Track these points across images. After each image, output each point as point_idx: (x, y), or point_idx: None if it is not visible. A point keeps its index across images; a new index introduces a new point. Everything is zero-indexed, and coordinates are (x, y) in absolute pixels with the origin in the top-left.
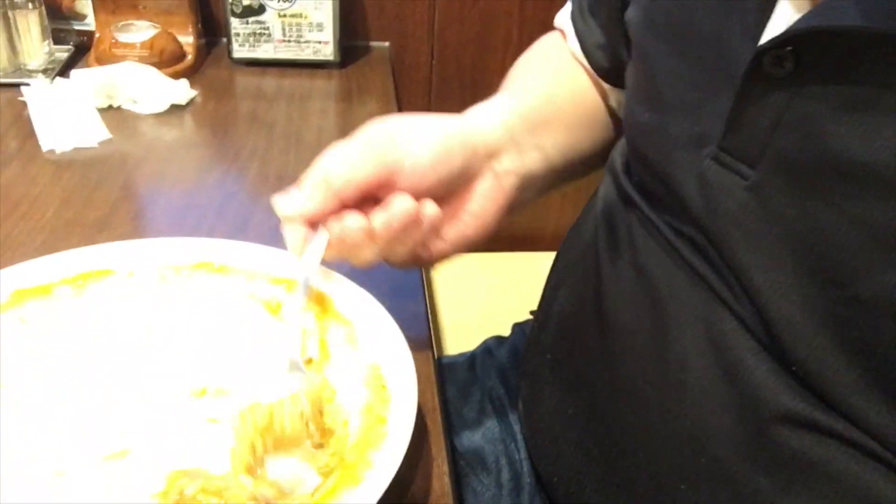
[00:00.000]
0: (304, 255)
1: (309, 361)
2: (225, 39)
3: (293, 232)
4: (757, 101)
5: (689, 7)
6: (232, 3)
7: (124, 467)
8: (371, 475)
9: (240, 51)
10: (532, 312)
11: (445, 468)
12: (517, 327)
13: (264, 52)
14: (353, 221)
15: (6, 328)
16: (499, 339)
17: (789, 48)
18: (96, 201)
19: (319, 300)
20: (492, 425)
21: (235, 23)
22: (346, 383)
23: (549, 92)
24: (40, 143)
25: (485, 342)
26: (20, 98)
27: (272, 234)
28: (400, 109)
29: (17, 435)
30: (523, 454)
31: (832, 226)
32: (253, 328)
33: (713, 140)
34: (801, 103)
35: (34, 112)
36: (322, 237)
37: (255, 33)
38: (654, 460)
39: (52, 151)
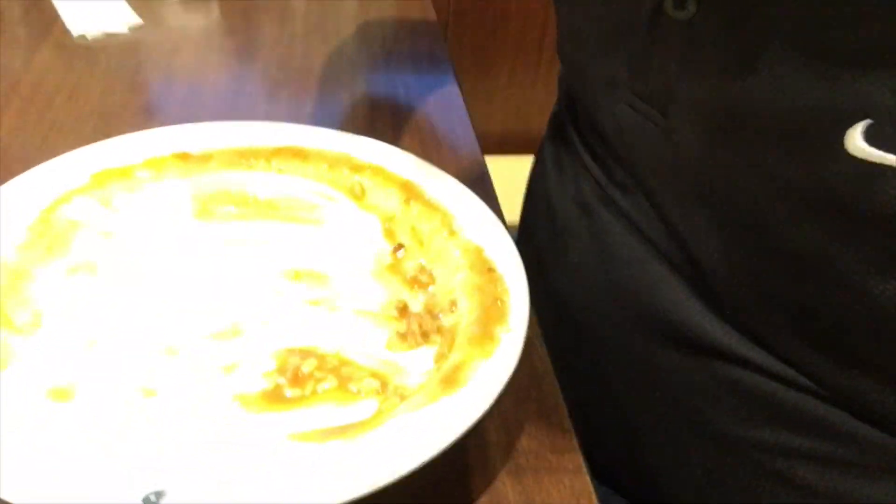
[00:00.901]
0: None
1: (399, 247)
2: None
3: None
4: (661, 45)
5: None
6: None
7: (235, 345)
8: (499, 351)
9: None
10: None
11: (543, 350)
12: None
13: None
14: None
15: (91, 211)
16: None
17: None
18: (140, 87)
19: (406, 188)
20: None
21: None
22: (445, 267)
23: None
24: (69, 27)
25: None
26: None
27: (330, 124)
28: None
29: (124, 313)
30: None
31: (743, 176)
32: (337, 213)
33: (625, 84)
34: (704, 48)
35: None
36: None
37: None
38: (620, 404)
39: (83, 37)
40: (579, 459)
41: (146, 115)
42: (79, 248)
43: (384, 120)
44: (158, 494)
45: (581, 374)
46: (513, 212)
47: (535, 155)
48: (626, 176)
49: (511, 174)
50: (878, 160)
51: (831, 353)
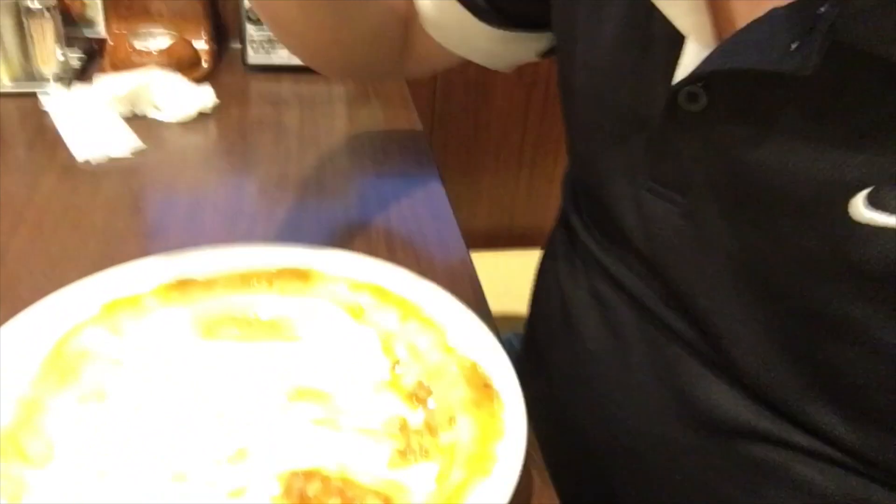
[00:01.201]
0: None
1: (396, 362)
2: (236, 45)
3: None
4: (677, 135)
5: (603, 51)
6: (248, 10)
7: (241, 469)
8: (498, 468)
9: (255, 57)
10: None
11: (539, 457)
12: (505, 339)
13: (279, 58)
14: None
15: (101, 341)
16: (517, 335)
17: (700, 84)
18: (143, 210)
19: (402, 305)
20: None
21: (251, 29)
22: (443, 382)
23: None
24: (73, 153)
25: (506, 337)
26: (41, 107)
27: (327, 237)
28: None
29: (132, 441)
30: None
31: (763, 247)
32: (337, 331)
33: (644, 172)
34: (718, 134)
35: (59, 121)
36: None
37: (270, 39)
38: (633, 479)
39: (87, 162)
40: None
41: (149, 238)
42: (89, 376)
43: (377, 228)
44: None
45: (585, 475)
46: (498, 303)
47: (545, 248)
48: (643, 264)
49: (497, 268)
50: (882, 224)
51: (856, 417)
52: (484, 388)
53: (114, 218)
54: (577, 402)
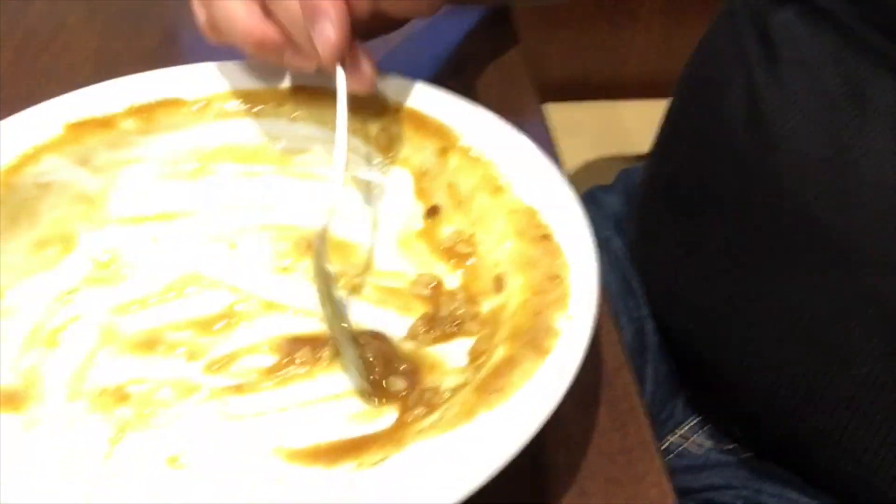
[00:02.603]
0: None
1: (434, 209)
2: None
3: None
4: None
5: None
6: None
7: (234, 337)
8: (557, 347)
9: None
10: (639, 157)
11: (616, 336)
12: (623, 173)
13: None
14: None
15: (65, 172)
16: (603, 188)
17: None
18: (145, 32)
19: (442, 135)
20: (610, 281)
21: None
22: (489, 235)
23: None
24: None
25: (587, 191)
26: None
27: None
28: None
29: (97, 299)
30: (645, 311)
31: None
32: (359, 168)
33: None
34: None
35: None
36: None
37: None
38: (807, 302)
39: None
40: (665, 483)
41: (150, 62)
42: (50, 216)
43: (419, 50)
44: None
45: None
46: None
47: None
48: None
49: (571, 121)
50: None
51: None
52: (542, 241)
53: (111, 40)
54: (756, 207)
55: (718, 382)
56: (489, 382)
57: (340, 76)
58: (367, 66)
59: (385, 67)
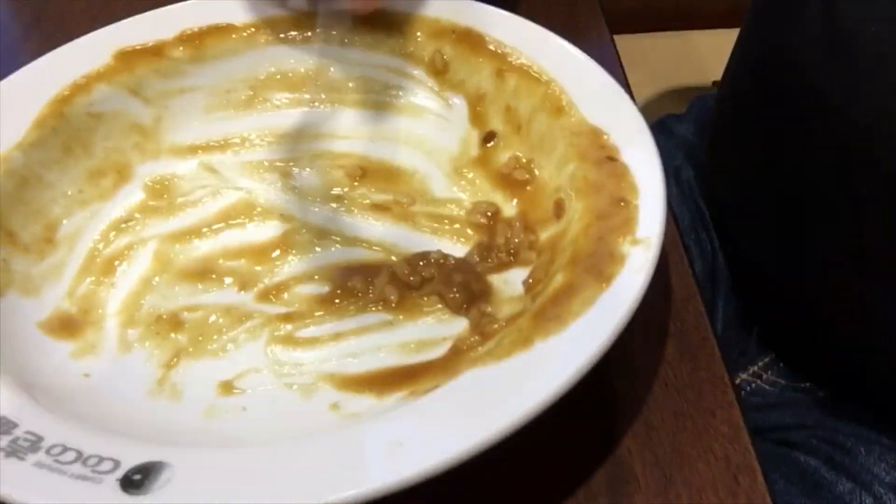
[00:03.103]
0: None
1: (491, 135)
2: None
3: None
4: None
5: None
6: None
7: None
8: (622, 275)
9: None
10: (715, 82)
11: (686, 266)
12: (697, 101)
13: None
14: None
15: (118, 102)
16: (675, 116)
17: None
18: None
19: (498, 56)
20: (681, 213)
21: None
22: (550, 158)
23: None
24: None
25: (658, 119)
26: None
27: None
28: None
29: (157, 237)
30: (717, 244)
31: None
32: (413, 94)
33: None
34: None
35: None
36: None
37: None
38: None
39: None
40: (738, 418)
41: None
42: (104, 147)
43: None
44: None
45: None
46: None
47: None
48: None
49: (642, 50)
50: None
51: None
52: (608, 163)
53: None
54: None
55: (792, 318)
56: (547, 310)
57: None
58: None
59: None
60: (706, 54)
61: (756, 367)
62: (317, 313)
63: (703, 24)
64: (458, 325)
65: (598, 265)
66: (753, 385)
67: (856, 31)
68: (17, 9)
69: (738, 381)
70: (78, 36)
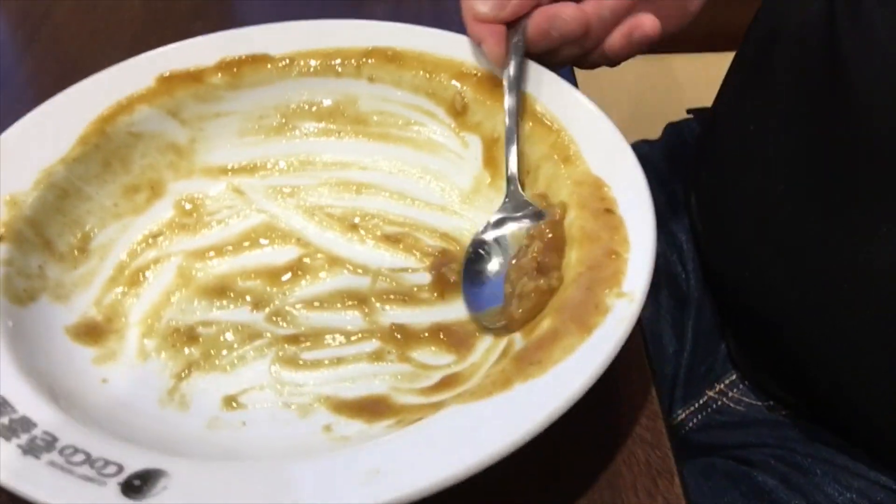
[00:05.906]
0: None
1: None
2: None
3: (492, 33)
4: None
5: None
6: None
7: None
8: (603, 326)
9: None
10: (690, 111)
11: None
12: (671, 127)
13: None
14: (569, 11)
15: (156, 122)
16: (647, 142)
17: None
18: None
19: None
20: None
21: None
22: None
23: None
24: None
25: (630, 144)
26: None
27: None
28: None
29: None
30: (690, 265)
31: None
32: (433, 132)
33: None
34: None
35: None
36: (520, 37)
37: None
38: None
39: None
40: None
41: (190, 19)
42: (141, 165)
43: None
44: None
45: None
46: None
47: None
48: None
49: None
50: None
51: None
52: (605, 215)
53: None
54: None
55: (762, 334)
56: (530, 354)
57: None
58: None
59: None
60: (682, 80)
61: (722, 386)
62: (323, 337)
63: (680, 49)
64: (449, 358)
65: (582, 315)
66: (719, 402)
67: (857, 61)
68: (12, 31)
69: (704, 398)
70: (74, 59)
